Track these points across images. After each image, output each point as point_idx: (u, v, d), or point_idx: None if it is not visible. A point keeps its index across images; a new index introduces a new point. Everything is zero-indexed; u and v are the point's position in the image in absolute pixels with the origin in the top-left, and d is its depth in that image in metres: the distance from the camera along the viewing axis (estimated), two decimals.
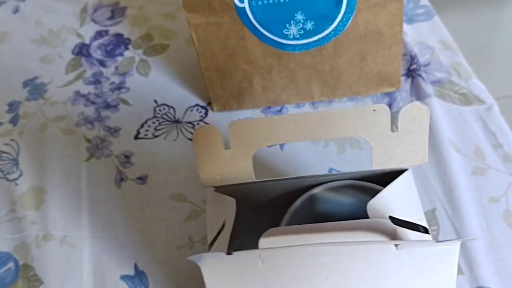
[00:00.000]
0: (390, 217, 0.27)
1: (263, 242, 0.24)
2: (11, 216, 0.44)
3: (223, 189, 0.30)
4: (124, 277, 0.39)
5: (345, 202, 0.32)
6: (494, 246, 0.38)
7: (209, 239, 0.29)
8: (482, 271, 0.37)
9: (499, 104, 0.47)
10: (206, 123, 0.49)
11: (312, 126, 0.27)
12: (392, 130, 0.27)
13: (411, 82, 0.49)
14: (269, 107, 0.48)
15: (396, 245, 0.24)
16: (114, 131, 0.49)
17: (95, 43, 0.57)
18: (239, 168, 0.28)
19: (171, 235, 0.41)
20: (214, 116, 0.49)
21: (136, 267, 0.40)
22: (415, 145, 0.27)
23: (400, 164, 0.28)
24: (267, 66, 0.43)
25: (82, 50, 0.57)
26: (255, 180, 0.29)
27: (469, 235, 0.38)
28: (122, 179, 0.45)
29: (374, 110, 0.27)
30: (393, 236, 0.25)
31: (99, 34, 0.58)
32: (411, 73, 0.49)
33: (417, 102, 0.27)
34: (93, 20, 0.60)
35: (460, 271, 0.37)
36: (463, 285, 0.36)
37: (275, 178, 0.30)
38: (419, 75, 0.49)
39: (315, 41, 0.41)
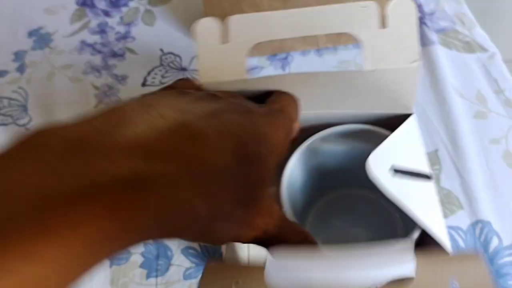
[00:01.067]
0: (392, 168, 0.27)
1: None
2: None
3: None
4: None
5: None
6: (493, 183, 0.39)
7: None
8: (482, 207, 0.38)
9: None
10: None
11: (306, 21, 0.28)
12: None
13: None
14: (275, 55, 0.49)
15: None
16: (121, 79, 0.49)
17: None
18: (234, 63, 0.28)
19: None
20: None
21: None
22: (406, 41, 0.27)
23: (393, 64, 0.28)
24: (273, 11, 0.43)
25: (86, 1, 0.57)
26: (246, 77, 0.28)
27: (470, 174, 0.40)
28: None
29: (364, 7, 0.27)
30: None
31: None
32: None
33: None
34: None
35: (460, 206, 0.38)
36: (463, 219, 0.38)
37: (264, 76, 0.30)
38: (424, 23, 0.49)
39: None
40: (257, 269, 0.21)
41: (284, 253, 0.21)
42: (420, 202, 0.27)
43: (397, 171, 0.27)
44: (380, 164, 0.26)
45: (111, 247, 0.16)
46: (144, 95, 0.23)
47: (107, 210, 0.15)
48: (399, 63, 0.28)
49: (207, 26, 0.28)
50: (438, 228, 0.26)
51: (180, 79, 0.27)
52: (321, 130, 0.32)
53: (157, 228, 0.17)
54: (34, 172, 0.15)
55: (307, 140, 0.32)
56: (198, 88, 0.27)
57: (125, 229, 0.16)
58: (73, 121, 0.18)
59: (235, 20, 0.28)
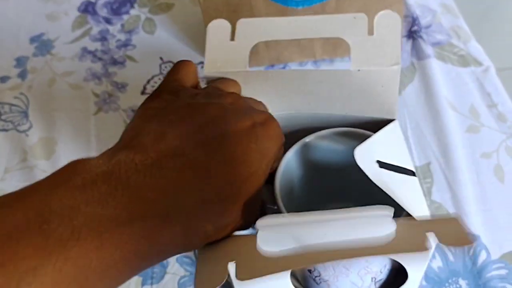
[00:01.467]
0: (378, 161, 0.29)
1: None
2: (22, 165, 0.45)
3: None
4: None
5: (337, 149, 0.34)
6: (483, 197, 0.40)
7: None
8: (471, 220, 0.39)
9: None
10: None
11: (303, 27, 0.31)
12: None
13: (412, 43, 0.50)
14: (272, 65, 0.50)
15: None
16: (121, 87, 0.50)
17: (101, 1, 0.58)
18: (237, 57, 0.32)
19: None
20: None
21: None
22: (389, 48, 0.30)
23: (376, 66, 0.30)
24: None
25: (88, 8, 0.57)
26: (247, 69, 0.32)
27: (460, 187, 0.40)
28: None
29: (355, 18, 0.31)
30: None
31: None
32: (412, 34, 0.50)
33: (389, 10, 0.29)
34: None
35: None
36: None
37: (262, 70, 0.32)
38: (420, 36, 0.50)
39: None
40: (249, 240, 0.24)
41: (271, 221, 0.24)
42: (406, 194, 0.28)
43: (383, 165, 0.29)
44: (366, 157, 0.28)
45: (143, 264, 0.22)
46: (150, 111, 0.26)
47: (143, 236, 0.21)
48: (381, 65, 0.31)
49: (218, 25, 0.32)
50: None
51: (180, 63, 0.30)
52: (313, 131, 0.34)
53: (178, 248, 0.23)
54: (86, 202, 0.20)
55: (304, 138, 0.34)
56: (196, 75, 0.31)
57: (156, 250, 0.22)
58: (103, 156, 0.22)
59: (242, 22, 0.32)
